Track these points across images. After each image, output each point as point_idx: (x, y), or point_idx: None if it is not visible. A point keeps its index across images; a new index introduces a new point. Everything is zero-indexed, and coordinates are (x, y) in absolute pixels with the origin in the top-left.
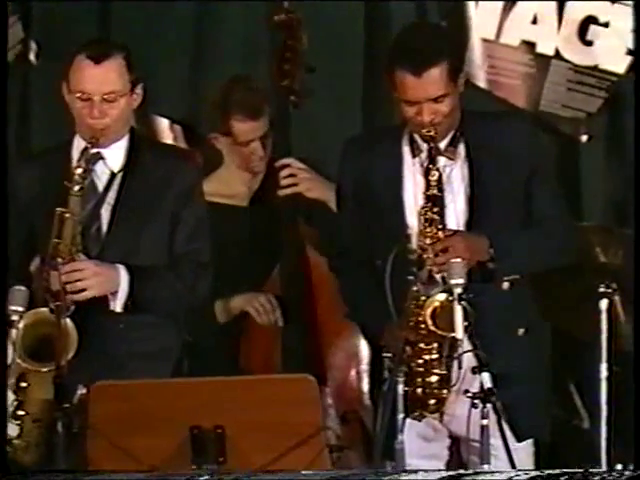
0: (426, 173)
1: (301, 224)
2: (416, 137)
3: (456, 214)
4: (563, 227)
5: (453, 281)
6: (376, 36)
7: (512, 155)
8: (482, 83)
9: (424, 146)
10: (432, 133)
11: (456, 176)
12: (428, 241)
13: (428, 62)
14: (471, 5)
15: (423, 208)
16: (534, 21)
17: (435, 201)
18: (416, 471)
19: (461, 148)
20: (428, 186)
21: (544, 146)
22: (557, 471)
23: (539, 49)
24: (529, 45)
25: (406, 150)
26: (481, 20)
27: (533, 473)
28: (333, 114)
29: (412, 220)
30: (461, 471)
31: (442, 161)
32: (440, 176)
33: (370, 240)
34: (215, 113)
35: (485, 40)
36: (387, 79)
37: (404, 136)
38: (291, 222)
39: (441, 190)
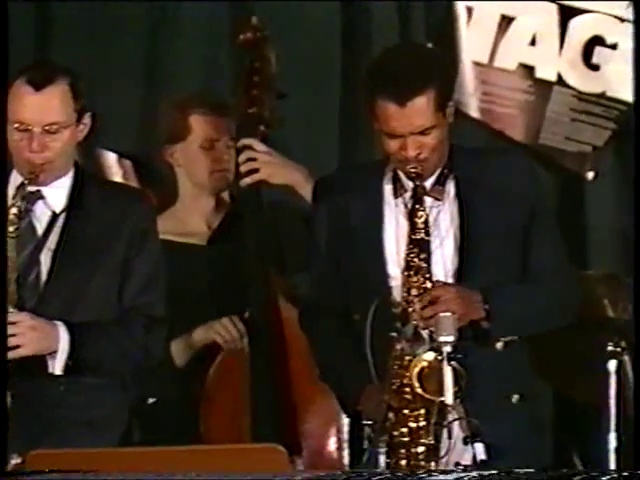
0: (411, 215)
1: (272, 271)
2: (400, 175)
3: (444, 261)
4: (565, 283)
5: (442, 338)
6: (355, 59)
7: (507, 196)
8: (474, 112)
9: (409, 185)
10: (418, 170)
11: (444, 218)
12: (414, 292)
13: (413, 89)
14: (461, 24)
15: (408, 254)
16: (533, 42)
17: (421, 246)
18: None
19: (450, 187)
20: (414, 229)
21: (544, 185)
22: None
23: (539, 74)
24: (527, 69)
25: (388, 189)
26: (473, 41)
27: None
28: (306, 147)
29: (395, 268)
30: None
31: (428, 202)
32: (427, 218)
33: (346, 291)
34: (172, 114)
35: (477, 64)
36: (366, 109)
37: (386, 174)
38: (260, 267)
39: (428, 234)
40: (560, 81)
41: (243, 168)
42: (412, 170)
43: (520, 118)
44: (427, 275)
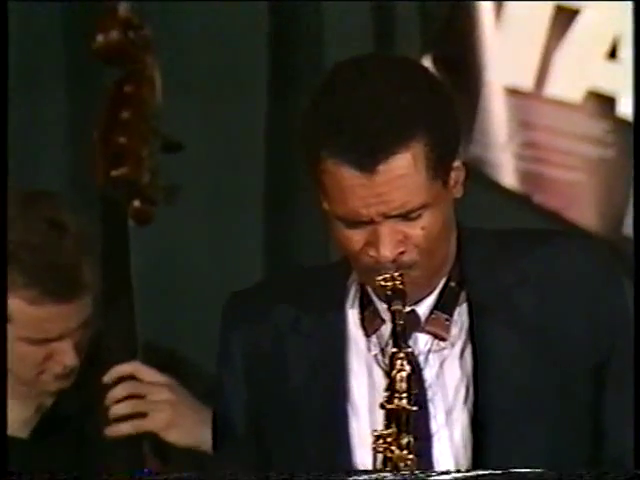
0: (391, 365)
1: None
2: (369, 291)
3: (454, 447)
4: None
5: None
6: (295, 83)
7: (563, 325)
8: (509, 178)
9: (384, 310)
10: (397, 283)
11: (451, 371)
12: None
13: (388, 143)
14: (486, 23)
15: (381, 438)
16: (613, 53)
17: (406, 421)
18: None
19: (462, 314)
20: (392, 393)
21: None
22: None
23: (623, 108)
24: (603, 101)
25: (353, 318)
26: (506, 53)
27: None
28: (212, 237)
29: (364, 456)
30: None
31: (424, 342)
32: (418, 373)
33: None
34: None
35: (515, 92)
36: (310, 174)
37: (349, 290)
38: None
39: (421, 401)
40: None
41: (116, 410)
42: (388, 284)
43: (590, 189)
44: (420, 475)
